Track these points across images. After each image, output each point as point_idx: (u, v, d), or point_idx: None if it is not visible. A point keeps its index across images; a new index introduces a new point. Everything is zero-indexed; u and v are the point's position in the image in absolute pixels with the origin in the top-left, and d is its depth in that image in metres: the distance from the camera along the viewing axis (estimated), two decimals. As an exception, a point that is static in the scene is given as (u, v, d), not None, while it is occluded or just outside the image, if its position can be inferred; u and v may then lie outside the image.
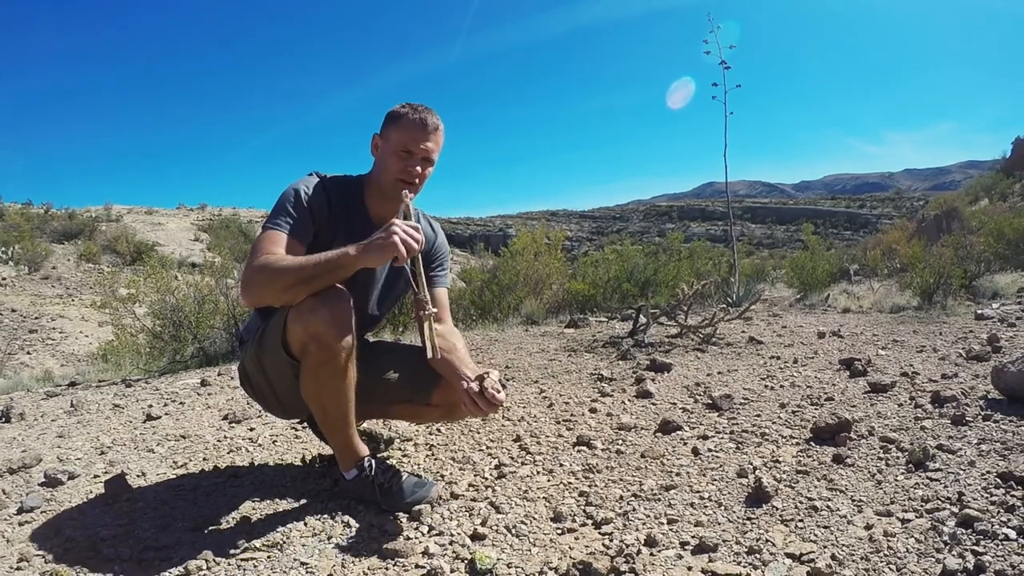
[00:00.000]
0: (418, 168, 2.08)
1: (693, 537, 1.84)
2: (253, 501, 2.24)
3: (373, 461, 2.10)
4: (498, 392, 1.88)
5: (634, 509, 2.05)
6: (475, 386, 1.88)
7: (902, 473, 2.15)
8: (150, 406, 3.74)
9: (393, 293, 2.35)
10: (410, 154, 2.06)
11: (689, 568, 1.69)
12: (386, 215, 2.15)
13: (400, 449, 2.71)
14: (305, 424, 2.72)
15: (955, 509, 1.85)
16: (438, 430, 2.94)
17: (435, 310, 1.97)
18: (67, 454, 2.94)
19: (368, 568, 1.78)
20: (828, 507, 1.96)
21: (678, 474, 2.31)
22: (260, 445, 2.88)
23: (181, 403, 3.86)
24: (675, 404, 3.21)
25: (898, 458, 2.27)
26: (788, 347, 4.64)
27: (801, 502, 2.01)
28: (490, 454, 2.63)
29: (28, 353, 9.38)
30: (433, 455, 2.64)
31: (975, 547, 1.65)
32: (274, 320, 1.98)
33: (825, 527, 1.84)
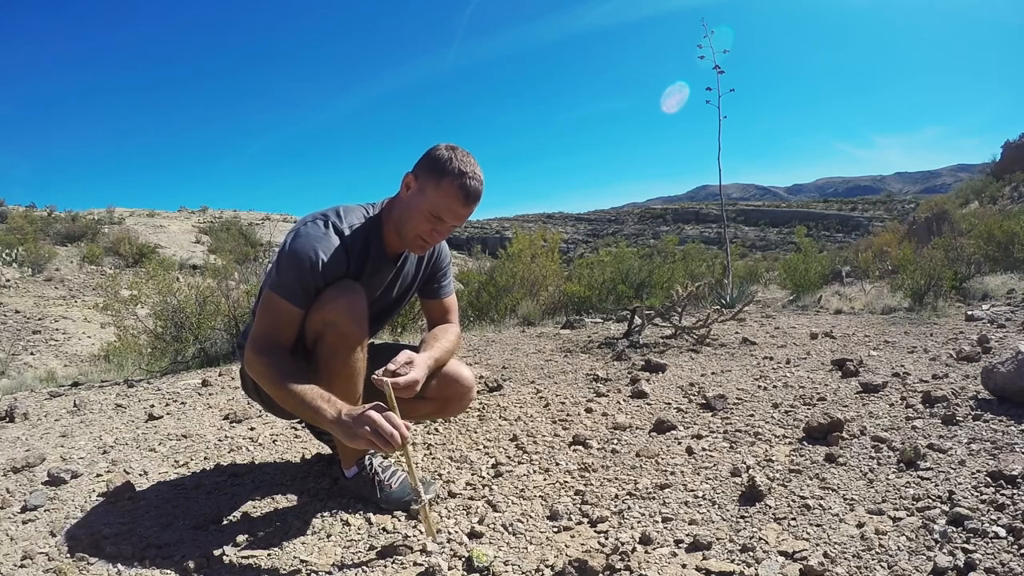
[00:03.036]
0: (443, 236, 2.00)
1: (687, 535, 1.86)
2: (254, 500, 2.27)
3: (373, 460, 2.13)
4: (393, 377, 1.81)
5: (629, 508, 2.07)
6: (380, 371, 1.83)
7: (893, 472, 2.17)
8: (152, 406, 3.75)
9: (387, 317, 2.36)
10: (440, 221, 1.92)
11: (684, 566, 1.71)
12: (401, 249, 2.12)
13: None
14: (304, 424, 2.75)
15: (946, 507, 1.87)
16: (436, 429, 2.97)
17: (427, 502, 1.87)
18: (70, 453, 2.95)
19: (367, 566, 1.81)
20: (820, 505, 1.98)
21: (672, 473, 2.34)
22: (260, 444, 2.90)
23: (182, 403, 3.87)
24: (670, 404, 3.24)
25: (889, 457, 2.29)
26: (781, 348, 4.67)
27: (794, 501, 2.03)
28: (487, 453, 2.65)
29: (32, 354, 9.38)
30: (431, 454, 2.67)
31: (965, 545, 1.67)
32: None
33: (817, 525, 1.87)
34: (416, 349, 2.34)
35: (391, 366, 1.83)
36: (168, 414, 3.60)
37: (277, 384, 1.82)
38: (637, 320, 5.33)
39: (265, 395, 2.18)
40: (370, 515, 2.08)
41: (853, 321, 5.97)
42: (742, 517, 1.96)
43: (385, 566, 1.80)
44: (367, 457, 2.11)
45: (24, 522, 2.18)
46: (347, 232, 1.96)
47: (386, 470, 2.14)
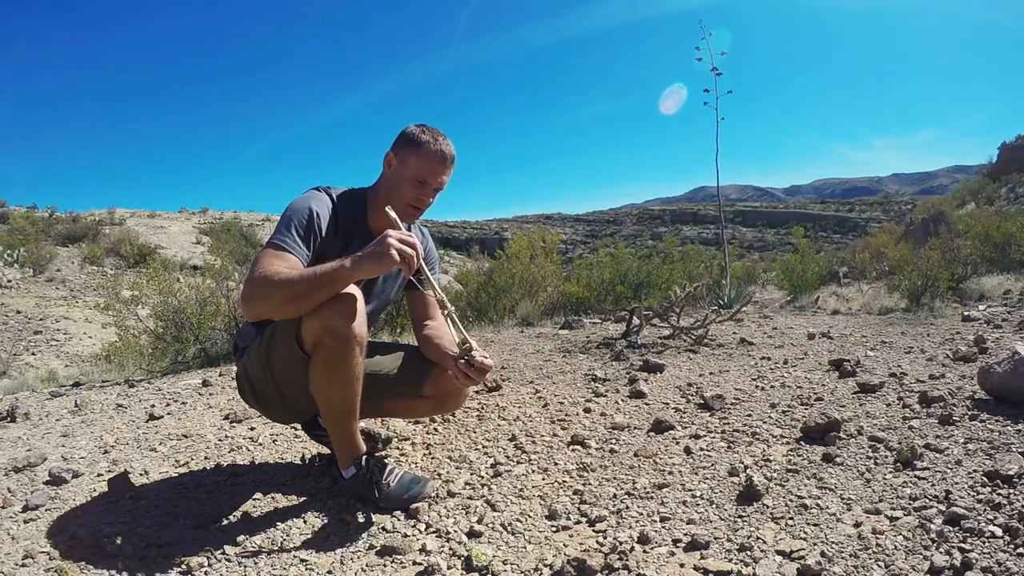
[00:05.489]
0: (430, 199, 2.15)
1: (685, 535, 1.87)
2: (254, 499, 2.27)
3: (372, 459, 2.14)
4: (486, 358, 1.95)
5: (627, 507, 2.08)
6: (463, 360, 1.94)
7: (890, 472, 2.18)
8: (153, 406, 3.75)
9: (382, 300, 2.40)
10: (425, 184, 2.12)
11: (681, 565, 1.72)
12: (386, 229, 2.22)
13: (398, 448, 2.74)
14: (303, 425, 2.75)
15: (942, 507, 1.88)
16: (435, 430, 2.98)
17: (453, 308, 2.00)
18: (71, 453, 2.95)
19: (366, 565, 1.82)
20: (818, 505, 1.99)
21: (671, 473, 2.35)
22: (260, 444, 2.91)
23: (183, 403, 3.88)
24: (668, 404, 3.25)
25: (886, 457, 2.30)
26: (778, 348, 4.68)
27: (791, 500, 2.04)
28: (486, 453, 2.66)
29: (33, 354, 9.38)
30: (430, 454, 2.68)
31: (962, 544, 1.68)
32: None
33: (815, 525, 1.88)
34: (414, 347, 2.37)
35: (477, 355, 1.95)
36: (169, 414, 3.60)
37: (283, 283, 1.82)
38: (635, 321, 5.34)
39: (267, 394, 2.19)
40: (370, 515, 2.09)
41: (850, 321, 5.99)
42: (740, 517, 1.97)
43: (384, 566, 1.81)
44: (365, 457, 2.12)
45: (26, 521, 2.18)
46: (333, 193, 2.17)
47: (383, 469, 2.15)
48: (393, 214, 1.95)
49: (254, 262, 1.94)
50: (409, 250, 1.81)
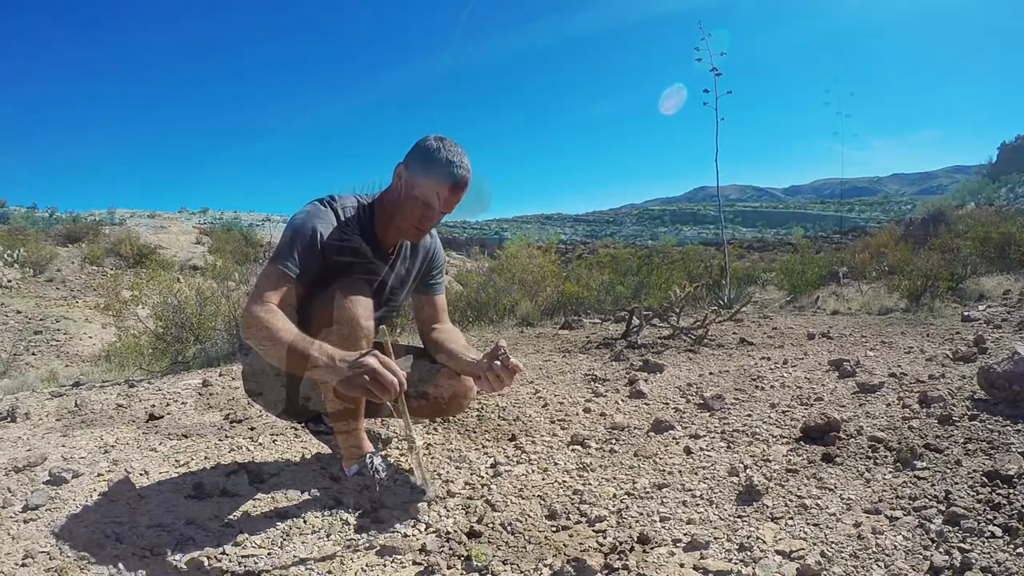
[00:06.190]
0: (436, 219, 2.10)
1: (685, 535, 1.86)
2: (254, 499, 2.27)
3: (375, 459, 2.14)
4: (512, 358, 1.98)
5: (627, 507, 2.08)
6: (497, 362, 1.98)
7: (890, 472, 2.18)
8: (153, 406, 3.74)
9: (388, 308, 2.40)
10: (432, 208, 2.05)
11: (681, 565, 1.72)
12: (393, 240, 2.19)
13: (398, 448, 2.74)
14: (304, 424, 2.76)
15: (942, 507, 1.87)
16: (435, 429, 2.98)
17: (421, 444, 1.99)
18: (71, 453, 2.94)
19: (366, 564, 1.81)
20: (817, 505, 1.99)
21: (670, 473, 2.35)
22: (261, 444, 2.90)
23: (183, 403, 3.86)
24: (667, 404, 3.25)
25: (886, 457, 2.30)
26: (778, 348, 4.68)
27: (791, 500, 2.04)
28: (486, 453, 2.66)
29: (33, 354, 9.40)
30: (430, 454, 2.67)
31: (962, 544, 1.67)
32: None
33: (814, 525, 1.87)
34: (420, 349, 2.37)
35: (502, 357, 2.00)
36: (169, 414, 3.60)
37: (270, 339, 1.81)
38: (635, 321, 5.35)
39: (268, 397, 2.20)
40: (369, 514, 2.09)
41: (850, 322, 5.99)
42: (739, 517, 1.97)
43: (384, 565, 1.81)
44: (368, 456, 2.13)
45: (25, 521, 2.18)
46: (342, 215, 2.09)
47: (387, 469, 2.15)
48: (387, 340, 1.87)
49: (257, 282, 1.96)
50: (387, 386, 1.65)
